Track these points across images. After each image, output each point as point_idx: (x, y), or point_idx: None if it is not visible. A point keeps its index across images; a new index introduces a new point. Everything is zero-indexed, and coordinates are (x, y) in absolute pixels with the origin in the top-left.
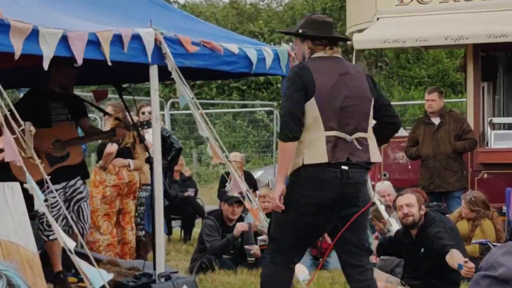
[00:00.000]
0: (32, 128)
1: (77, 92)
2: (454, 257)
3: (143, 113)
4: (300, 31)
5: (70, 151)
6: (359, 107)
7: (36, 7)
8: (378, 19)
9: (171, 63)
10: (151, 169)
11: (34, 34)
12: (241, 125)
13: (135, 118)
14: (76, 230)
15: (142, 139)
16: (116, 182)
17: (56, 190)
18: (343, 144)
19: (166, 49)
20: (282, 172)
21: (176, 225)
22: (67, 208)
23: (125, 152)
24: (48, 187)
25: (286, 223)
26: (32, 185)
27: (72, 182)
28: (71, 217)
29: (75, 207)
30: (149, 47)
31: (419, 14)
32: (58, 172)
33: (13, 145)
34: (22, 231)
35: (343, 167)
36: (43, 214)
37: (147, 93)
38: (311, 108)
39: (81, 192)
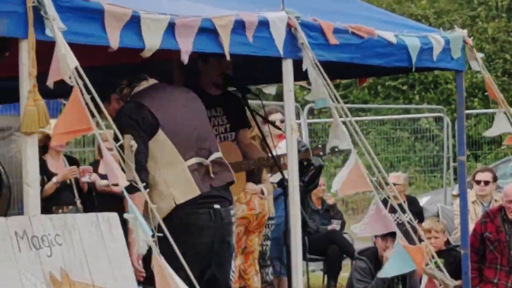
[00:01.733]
0: (133, 142)
1: None
2: None
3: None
4: None
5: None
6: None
7: None
8: None
9: (310, 56)
10: (285, 194)
11: (134, 21)
12: (401, 137)
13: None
14: None
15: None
16: (245, 213)
17: None
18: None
19: (303, 38)
20: None
21: (316, 267)
22: None
23: (251, 174)
24: None
25: None
26: (135, 215)
27: None
28: None
29: None
30: (281, 36)
31: None
32: None
33: (113, 165)
34: (122, 277)
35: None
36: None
37: (277, 96)
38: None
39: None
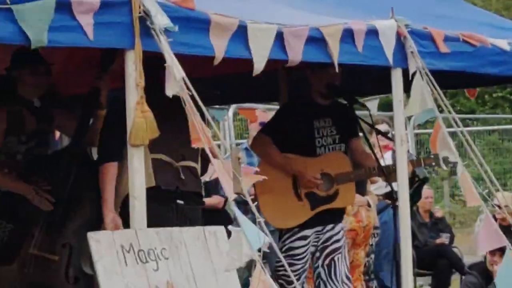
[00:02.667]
0: (241, 154)
1: None
2: None
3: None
4: None
5: (340, 190)
6: None
7: None
8: None
9: (419, 65)
10: (394, 207)
11: (241, 32)
12: (509, 147)
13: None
14: None
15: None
16: (353, 225)
17: (306, 237)
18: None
19: (412, 47)
20: None
21: (425, 283)
22: (316, 261)
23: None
24: (298, 231)
25: None
26: (251, 226)
27: (330, 226)
28: (318, 273)
29: (326, 261)
30: (390, 44)
31: None
32: (316, 216)
33: (226, 175)
34: None
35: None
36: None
37: (379, 107)
38: None
39: (338, 241)
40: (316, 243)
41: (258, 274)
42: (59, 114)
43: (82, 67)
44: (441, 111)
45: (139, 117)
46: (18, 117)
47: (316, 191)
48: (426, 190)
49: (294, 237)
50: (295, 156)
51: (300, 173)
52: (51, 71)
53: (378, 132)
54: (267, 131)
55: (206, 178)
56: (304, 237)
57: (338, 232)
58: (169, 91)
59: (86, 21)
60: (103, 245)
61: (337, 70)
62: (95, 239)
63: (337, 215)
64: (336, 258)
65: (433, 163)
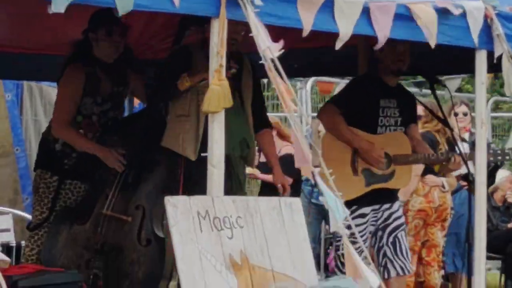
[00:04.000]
0: (321, 127)
1: None
2: None
3: (455, 114)
4: None
5: (396, 171)
6: None
7: None
8: None
9: (505, 48)
10: (469, 190)
11: (328, 5)
12: None
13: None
14: (392, 272)
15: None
16: (423, 206)
17: (365, 215)
18: None
19: (499, 29)
20: None
21: (493, 266)
22: (380, 240)
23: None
24: (356, 209)
25: None
26: (334, 197)
27: (387, 205)
28: (384, 252)
29: (390, 238)
30: (477, 26)
31: None
32: (372, 193)
33: (304, 148)
34: (301, 264)
35: None
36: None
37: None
38: None
39: (398, 218)
40: (375, 222)
41: (345, 247)
42: (135, 78)
43: (159, 33)
44: None
45: (216, 84)
46: (94, 79)
47: (373, 169)
48: (509, 175)
49: (352, 215)
50: (360, 132)
51: (365, 149)
52: (127, 33)
53: (440, 120)
54: (335, 102)
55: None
56: (363, 215)
57: (398, 210)
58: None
59: None
60: (179, 210)
61: (432, 47)
62: (172, 203)
63: (392, 195)
64: (399, 235)
65: (491, 158)
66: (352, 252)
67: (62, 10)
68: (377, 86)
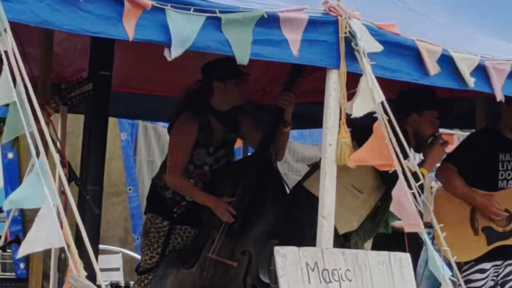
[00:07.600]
0: (434, 183)
1: None
2: None
3: None
4: None
5: None
6: None
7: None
8: None
9: None
10: None
11: (445, 60)
12: None
13: None
14: None
15: None
16: None
17: (485, 270)
18: None
19: None
20: None
21: None
22: None
23: None
24: (475, 265)
25: None
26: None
27: (510, 261)
28: None
29: None
30: None
31: None
32: (494, 249)
33: (410, 207)
34: None
35: None
36: None
37: None
38: None
39: None
40: (495, 277)
41: None
42: (246, 121)
43: (273, 80)
44: None
45: (345, 137)
46: (208, 129)
47: (493, 226)
48: None
49: (472, 269)
50: (479, 191)
51: (484, 205)
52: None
53: None
54: (452, 160)
55: None
56: (483, 270)
57: None
58: (359, 112)
59: (293, 37)
60: (288, 261)
61: None
62: (281, 254)
63: None
64: None
65: None
66: None
67: (178, 55)
68: (495, 140)
